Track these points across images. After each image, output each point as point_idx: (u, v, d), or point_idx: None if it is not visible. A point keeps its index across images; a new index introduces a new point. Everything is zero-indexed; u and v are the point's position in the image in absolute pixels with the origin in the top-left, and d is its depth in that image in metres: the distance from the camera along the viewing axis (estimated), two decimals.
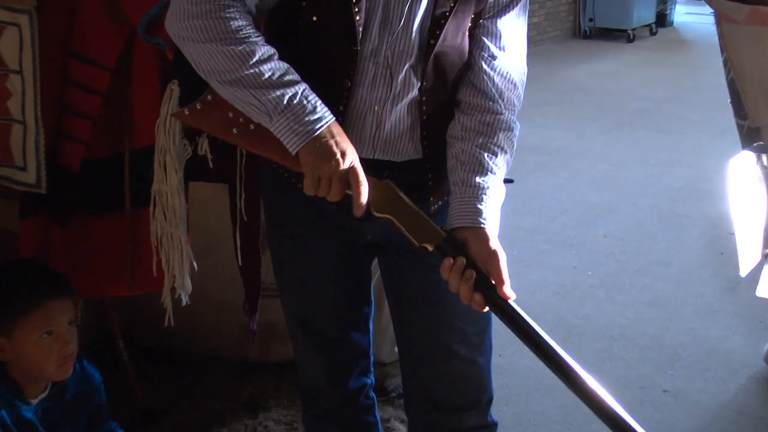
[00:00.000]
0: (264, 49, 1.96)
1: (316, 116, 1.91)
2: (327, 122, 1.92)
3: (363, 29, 2.05)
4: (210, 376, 3.69)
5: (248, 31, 1.96)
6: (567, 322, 4.20)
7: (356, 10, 2.01)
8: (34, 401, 2.53)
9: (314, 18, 2.07)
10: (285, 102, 1.90)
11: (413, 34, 2.06)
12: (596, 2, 12.76)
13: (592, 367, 3.71)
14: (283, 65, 1.96)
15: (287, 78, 1.94)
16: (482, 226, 2.01)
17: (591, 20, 12.95)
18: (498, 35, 2.13)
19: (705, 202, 5.50)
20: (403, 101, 2.12)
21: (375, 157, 2.16)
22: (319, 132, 1.91)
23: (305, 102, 1.92)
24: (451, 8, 2.05)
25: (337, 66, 2.08)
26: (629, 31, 11.95)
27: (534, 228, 5.44)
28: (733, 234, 3.15)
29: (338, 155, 1.91)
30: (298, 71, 2.01)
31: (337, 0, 2.03)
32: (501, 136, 2.13)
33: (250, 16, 2.00)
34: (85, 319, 3.26)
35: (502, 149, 2.13)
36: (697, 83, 9.01)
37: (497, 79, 2.14)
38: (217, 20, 1.92)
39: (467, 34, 2.12)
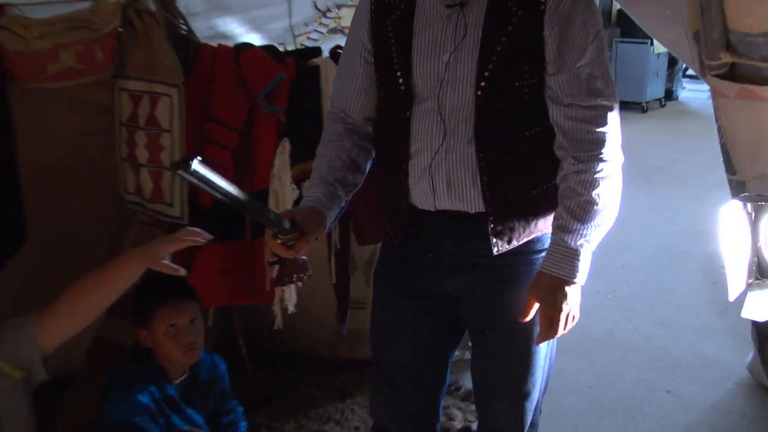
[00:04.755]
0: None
1: None
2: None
3: (411, 94, 1.91)
4: (308, 370, 3.69)
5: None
6: (592, 335, 4.13)
7: (398, 73, 1.92)
8: (176, 382, 2.57)
9: (382, 93, 2.02)
10: None
11: (461, 91, 1.87)
12: (617, 80, 12.35)
13: (611, 371, 3.70)
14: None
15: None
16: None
17: None
18: (562, 84, 1.84)
19: (702, 241, 5.38)
20: (458, 151, 1.89)
21: (450, 208, 1.95)
22: None
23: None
24: (494, 61, 1.83)
25: (396, 133, 1.96)
26: (643, 104, 11.70)
27: None
28: (724, 267, 3.11)
29: None
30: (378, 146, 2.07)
31: (388, 71, 1.95)
32: (567, 184, 1.89)
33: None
34: (216, 324, 3.29)
35: (564, 198, 1.89)
36: (697, 146, 8.84)
37: (568, 126, 1.86)
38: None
39: (526, 87, 1.85)
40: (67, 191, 2.95)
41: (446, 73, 1.88)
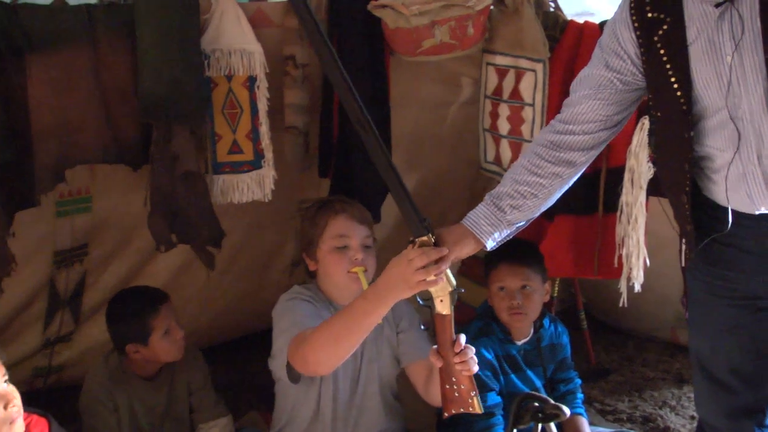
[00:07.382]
0: None
1: None
2: None
3: (694, 111, 1.82)
4: (647, 351, 3.67)
5: None
6: None
7: (678, 93, 1.81)
8: (519, 343, 2.68)
9: (658, 114, 1.94)
10: None
11: (754, 89, 1.74)
12: None
13: None
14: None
15: None
16: None
17: None
18: None
19: None
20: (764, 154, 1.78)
21: None
22: None
23: None
24: None
25: (676, 155, 1.90)
26: None
27: None
28: None
29: None
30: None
31: (664, 90, 1.85)
32: None
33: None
34: (559, 294, 3.37)
35: None
36: None
37: None
38: None
39: None
40: (430, 156, 3.17)
41: (732, 74, 1.75)
